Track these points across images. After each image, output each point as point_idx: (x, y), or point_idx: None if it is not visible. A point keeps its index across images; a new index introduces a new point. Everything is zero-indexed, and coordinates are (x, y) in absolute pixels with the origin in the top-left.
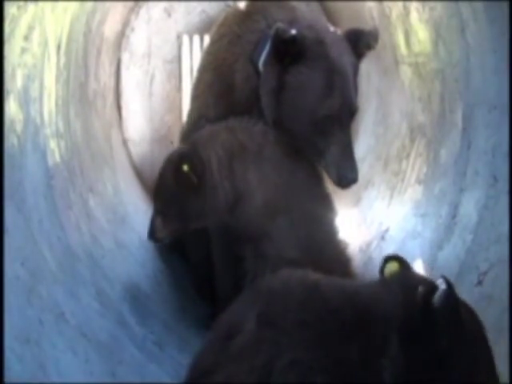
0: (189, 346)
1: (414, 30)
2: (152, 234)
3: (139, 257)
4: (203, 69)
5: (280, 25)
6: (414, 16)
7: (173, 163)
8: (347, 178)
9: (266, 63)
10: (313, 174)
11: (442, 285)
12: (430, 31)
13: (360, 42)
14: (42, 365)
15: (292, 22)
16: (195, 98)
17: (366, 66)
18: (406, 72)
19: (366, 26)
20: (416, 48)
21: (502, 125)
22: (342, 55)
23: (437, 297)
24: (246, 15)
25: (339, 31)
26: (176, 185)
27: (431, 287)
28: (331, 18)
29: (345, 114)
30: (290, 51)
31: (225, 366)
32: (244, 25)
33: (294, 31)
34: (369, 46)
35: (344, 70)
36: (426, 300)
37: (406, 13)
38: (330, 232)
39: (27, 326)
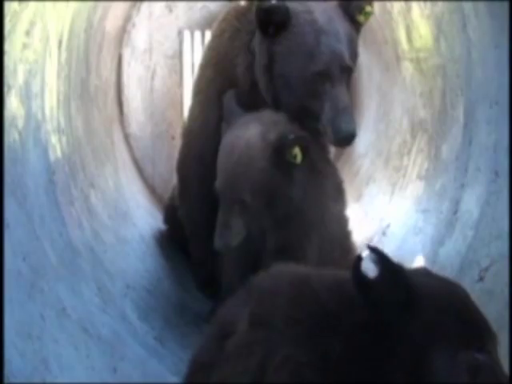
0: (190, 341)
1: (415, 25)
2: (227, 239)
3: (140, 252)
4: (205, 65)
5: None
6: (416, 11)
7: (272, 149)
8: (341, 130)
9: (257, 44)
10: (338, 180)
11: (365, 253)
12: (432, 27)
13: (351, 6)
14: (44, 360)
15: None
16: (197, 93)
17: (368, 62)
18: (407, 68)
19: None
20: (417, 43)
21: (504, 120)
22: (333, 20)
23: (365, 266)
24: (246, 10)
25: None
26: (276, 169)
27: (356, 258)
28: None
29: (335, 70)
30: (273, 21)
31: (220, 367)
32: (244, 18)
33: (273, 1)
34: (361, 10)
35: (334, 31)
36: (356, 273)
37: (408, 8)
38: (345, 226)
39: (29, 322)
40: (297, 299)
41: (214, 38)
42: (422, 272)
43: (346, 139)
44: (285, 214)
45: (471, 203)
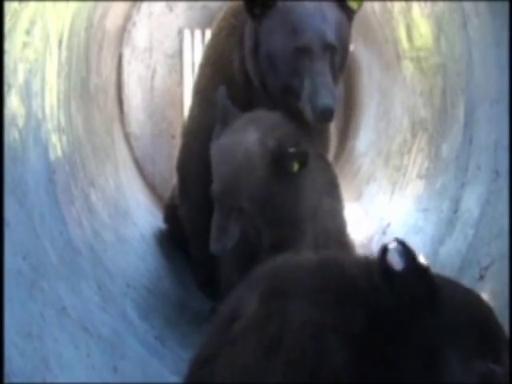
0: (190, 340)
1: (415, 24)
2: (225, 243)
3: (141, 251)
4: (204, 64)
5: None
6: (416, 10)
7: (271, 159)
8: (318, 105)
9: (247, 30)
10: (332, 176)
11: (392, 244)
12: (432, 26)
13: None
14: (44, 359)
15: None
16: (196, 92)
17: (368, 61)
18: (407, 66)
19: (368, 20)
20: (418, 42)
21: (504, 119)
22: (321, 4)
23: (392, 258)
24: (243, 7)
25: None
26: (274, 180)
27: (382, 248)
28: None
29: (316, 46)
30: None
31: (227, 350)
32: (240, 15)
33: None
34: None
35: (320, 13)
36: (382, 264)
37: (408, 7)
38: (340, 221)
39: (29, 320)
40: (321, 272)
41: (213, 36)
42: (447, 279)
43: (324, 114)
44: (277, 213)
45: (471, 202)
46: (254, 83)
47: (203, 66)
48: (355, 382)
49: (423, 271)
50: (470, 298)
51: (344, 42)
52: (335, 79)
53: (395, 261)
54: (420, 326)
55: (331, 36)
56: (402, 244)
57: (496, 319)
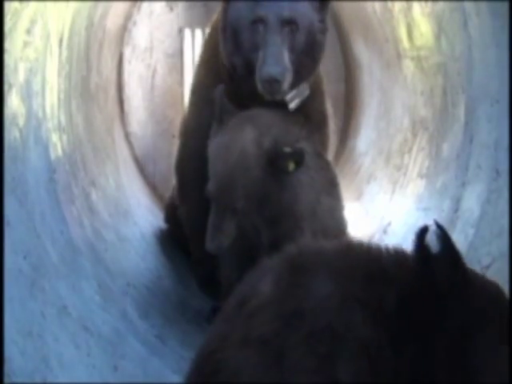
0: (191, 339)
1: (416, 23)
2: (221, 242)
3: (141, 251)
4: (199, 64)
5: None
6: (417, 10)
7: (267, 160)
8: (262, 74)
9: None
10: (331, 174)
11: (431, 226)
12: (433, 25)
13: None
14: (45, 358)
15: None
16: (192, 93)
17: (369, 60)
18: (408, 66)
19: (369, 19)
20: (418, 42)
21: (505, 119)
22: None
23: (430, 238)
24: None
25: None
26: (270, 179)
27: (421, 229)
28: (333, 10)
29: (272, 19)
30: None
31: (240, 325)
32: None
33: None
34: None
35: None
36: (420, 243)
37: (409, 6)
38: (339, 219)
39: (29, 320)
40: (346, 252)
41: (208, 37)
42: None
43: (269, 83)
44: (275, 212)
45: (472, 201)
46: (227, 66)
47: (198, 66)
48: (380, 358)
49: (459, 256)
50: (494, 287)
51: (307, 20)
52: (298, 58)
53: (432, 243)
54: (450, 310)
55: (289, 10)
56: (440, 228)
57: None
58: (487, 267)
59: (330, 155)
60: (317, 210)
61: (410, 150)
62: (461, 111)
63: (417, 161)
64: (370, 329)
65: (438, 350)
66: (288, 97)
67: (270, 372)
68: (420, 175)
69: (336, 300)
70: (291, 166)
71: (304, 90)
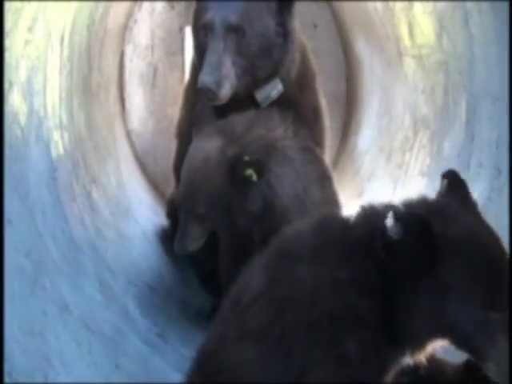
0: (192, 338)
1: (417, 21)
2: (185, 244)
3: (142, 249)
4: (193, 65)
5: None
6: (418, 8)
7: (227, 167)
8: (198, 80)
9: None
10: (321, 167)
11: (389, 214)
12: (434, 23)
13: None
14: (46, 356)
15: None
16: (184, 92)
17: (370, 58)
18: (409, 64)
19: (370, 17)
20: (419, 40)
21: (506, 117)
22: None
23: (390, 229)
24: None
25: None
26: (230, 186)
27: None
28: (334, 8)
29: (218, 25)
30: None
31: (236, 323)
32: None
33: None
34: None
35: None
36: (382, 237)
37: (410, 4)
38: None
39: (31, 318)
40: (322, 228)
41: None
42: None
43: (203, 92)
44: (259, 211)
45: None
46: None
47: (193, 68)
48: (380, 325)
49: (423, 233)
50: (477, 240)
51: (259, 24)
52: (251, 62)
53: (394, 230)
54: (427, 282)
55: (236, 16)
56: (397, 212)
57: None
58: None
59: (330, 152)
60: (306, 202)
61: (411, 148)
62: (462, 109)
63: (418, 159)
64: (365, 303)
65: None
66: (258, 94)
67: (272, 362)
68: (421, 173)
69: (326, 286)
70: (253, 175)
71: (275, 85)
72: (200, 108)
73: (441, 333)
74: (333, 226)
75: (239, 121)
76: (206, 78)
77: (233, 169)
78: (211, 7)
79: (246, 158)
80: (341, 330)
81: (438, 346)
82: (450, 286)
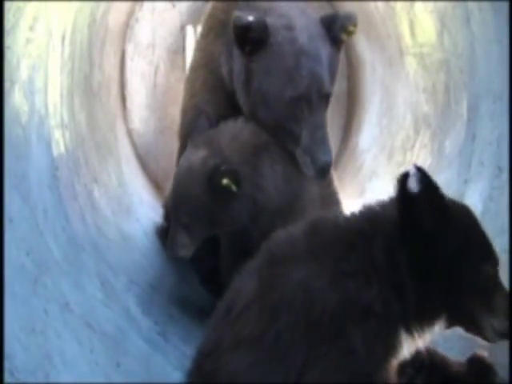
0: (193, 336)
1: (418, 20)
2: (174, 251)
3: (143, 248)
4: (196, 66)
5: (237, 13)
6: (419, 6)
7: (206, 177)
8: (319, 162)
9: (235, 55)
10: None
11: (412, 170)
12: (435, 21)
13: (335, 25)
14: (47, 355)
15: (266, 11)
16: (192, 96)
17: (371, 57)
18: (410, 62)
19: (371, 16)
20: (421, 38)
21: (507, 116)
22: (314, 40)
23: (411, 182)
24: (231, 3)
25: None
26: (211, 197)
27: (402, 175)
28: (335, 8)
29: (314, 96)
30: (250, 38)
31: (230, 327)
32: (230, 13)
33: (250, 18)
34: (345, 30)
35: (314, 52)
36: (402, 188)
37: (411, 3)
38: (333, 206)
39: (32, 316)
40: (313, 230)
41: (203, 36)
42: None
43: (323, 170)
44: (255, 212)
45: (474, 198)
46: (243, 111)
47: (196, 69)
48: (387, 311)
49: (438, 191)
50: (467, 212)
51: (334, 81)
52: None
53: (413, 186)
54: (438, 242)
55: (327, 83)
56: (419, 169)
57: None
58: None
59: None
60: (304, 199)
61: (413, 146)
62: (463, 108)
63: (419, 158)
64: (370, 291)
65: (436, 281)
66: None
67: (268, 368)
68: None
69: (324, 284)
70: (231, 185)
71: None
72: (196, 117)
73: (449, 303)
74: (326, 227)
75: (227, 130)
76: (328, 158)
77: (211, 179)
78: (301, 75)
79: (222, 168)
80: (344, 325)
81: (438, 348)
82: (454, 248)
